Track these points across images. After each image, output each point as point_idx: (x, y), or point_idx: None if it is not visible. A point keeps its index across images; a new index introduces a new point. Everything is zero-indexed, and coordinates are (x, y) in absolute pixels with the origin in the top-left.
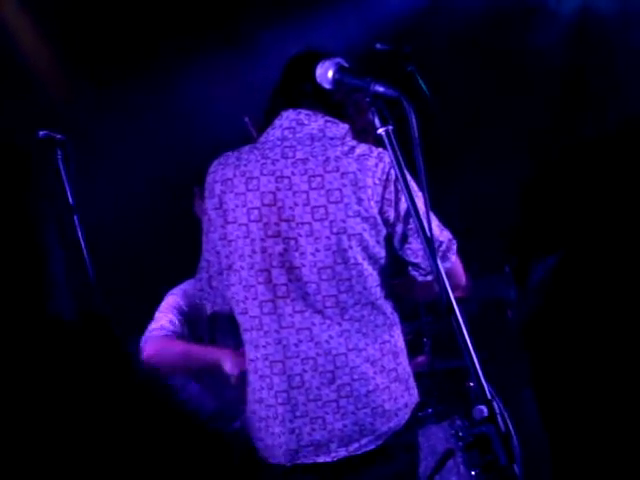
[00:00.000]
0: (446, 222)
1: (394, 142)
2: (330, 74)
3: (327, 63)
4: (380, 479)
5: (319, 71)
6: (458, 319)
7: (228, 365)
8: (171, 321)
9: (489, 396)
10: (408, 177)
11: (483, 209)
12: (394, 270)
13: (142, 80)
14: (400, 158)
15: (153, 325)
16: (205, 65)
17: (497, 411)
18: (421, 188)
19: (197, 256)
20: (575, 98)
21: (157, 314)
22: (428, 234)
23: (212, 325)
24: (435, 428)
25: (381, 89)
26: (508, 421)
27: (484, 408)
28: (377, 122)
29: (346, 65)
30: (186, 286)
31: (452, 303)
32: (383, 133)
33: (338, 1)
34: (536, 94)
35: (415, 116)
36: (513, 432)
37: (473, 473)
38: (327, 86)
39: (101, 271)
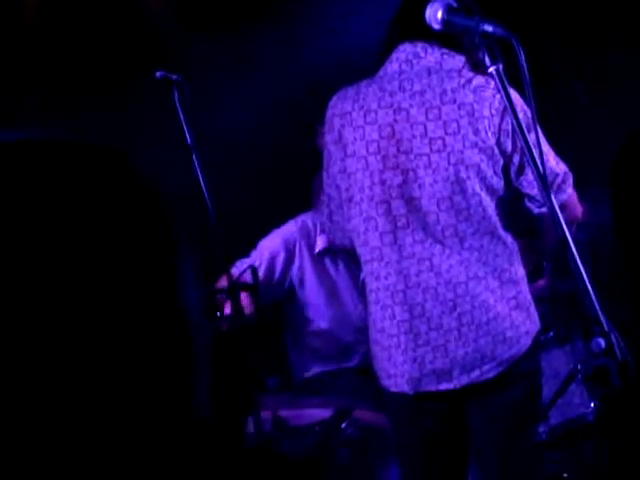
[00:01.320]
0: (562, 155)
1: (504, 80)
2: (439, 15)
3: (436, 4)
4: (502, 406)
5: (428, 12)
6: (574, 254)
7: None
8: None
9: (607, 328)
10: (522, 114)
11: (598, 137)
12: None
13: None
14: (510, 96)
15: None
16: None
17: (615, 343)
18: (534, 125)
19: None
20: None
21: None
22: (541, 170)
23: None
24: (557, 351)
25: (490, 29)
26: (626, 351)
27: (602, 341)
28: (487, 61)
29: (455, 5)
30: (290, 226)
31: (567, 238)
32: (493, 71)
33: None
34: None
35: (525, 55)
36: (632, 362)
37: (592, 405)
38: (436, 26)
39: (221, 207)
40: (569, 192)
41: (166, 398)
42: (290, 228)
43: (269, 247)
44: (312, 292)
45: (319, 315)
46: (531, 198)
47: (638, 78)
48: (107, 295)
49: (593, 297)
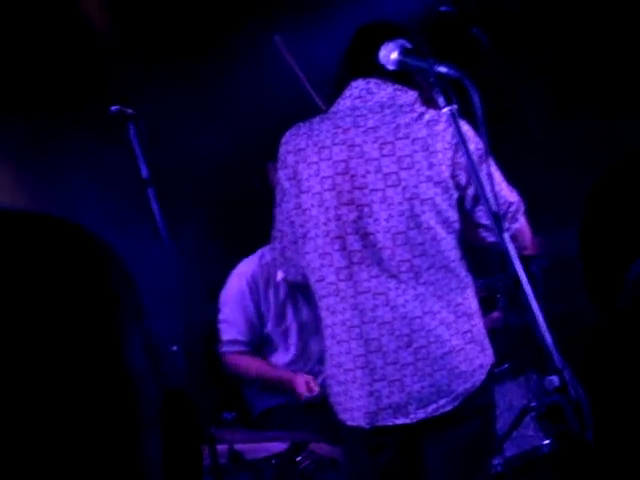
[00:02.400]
0: (516, 185)
1: (458, 122)
2: (394, 56)
3: (390, 45)
4: (458, 440)
5: (382, 52)
6: (527, 291)
7: (300, 387)
8: (240, 332)
9: (559, 365)
10: (474, 146)
11: (555, 165)
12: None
13: (213, 57)
14: (465, 137)
15: (226, 336)
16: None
17: (568, 381)
18: (486, 159)
19: (262, 230)
20: None
21: (225, 317)
22: (494, 208)
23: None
24: (511, 384)
25: (444, 70)
26: (580, 389)
27: (555, 378)
28: (441, 101)
29: (409, 46)
30: (250, 263)
31: (521, 277)
32: (448, 112)
33: None
34: None
35: (479, 95)
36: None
37: (547, 442)
38: (391, 67)
39: (177, 241)
40: (522, 220)
41: (113, 459)
42: (249, 267)
43: (236, 305)
44: (274, 326)
45: (278, 348)
46: (487, 228)
47: (589, 110)
48: (46, 358)
49: (546, 333)
